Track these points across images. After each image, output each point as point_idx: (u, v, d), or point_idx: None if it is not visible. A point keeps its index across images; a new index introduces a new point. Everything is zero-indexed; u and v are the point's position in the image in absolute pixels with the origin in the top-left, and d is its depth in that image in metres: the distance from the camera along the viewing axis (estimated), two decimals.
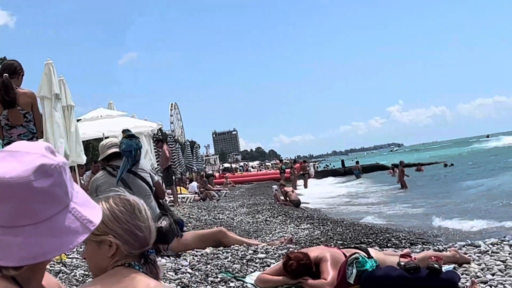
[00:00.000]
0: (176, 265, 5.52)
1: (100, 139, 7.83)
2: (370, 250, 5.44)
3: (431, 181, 27.63)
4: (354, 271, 4.87)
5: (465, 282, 4.75)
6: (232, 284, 5.08)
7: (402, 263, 4.88)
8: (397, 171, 26.16)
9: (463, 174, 29.25)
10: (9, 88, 5.70)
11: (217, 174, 32.49)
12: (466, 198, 16.99)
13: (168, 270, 5.35)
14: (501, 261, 5.28)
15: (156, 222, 5.91)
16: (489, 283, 4.78)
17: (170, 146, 19.64)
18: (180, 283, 5.01)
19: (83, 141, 10.06)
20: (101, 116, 13.48)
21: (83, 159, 9.66)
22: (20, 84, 5.90)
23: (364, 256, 5.03)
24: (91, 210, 1.52)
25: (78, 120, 10.14)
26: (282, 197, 16.96)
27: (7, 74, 5.75)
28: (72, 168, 8.06)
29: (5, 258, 1.39)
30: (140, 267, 1.90)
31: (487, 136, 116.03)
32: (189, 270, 5.39)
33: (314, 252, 5.23)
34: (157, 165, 15.95)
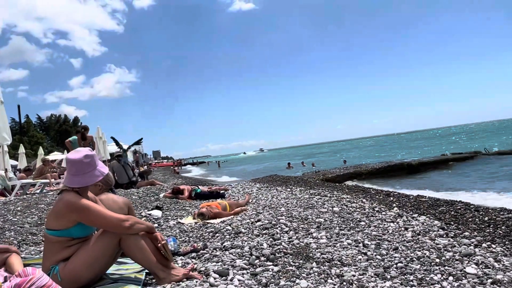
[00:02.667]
0: (138, 191, 10.55)
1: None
2: (200, 186, 9.88)
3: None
4: (194, 192, 8.85)
5: (227, 196, 8.75)
6: (155, 197, 8.72)
7: (208, 190, 9.13)
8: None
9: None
10: (84, 134, 11.27)
11: (153, 164, 63.10)
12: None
13: (135, 192, 9.86)
14: (237, 190, 10.08)
15: (131, 178, 12.51)
16: (232, 196, 9.00)
17: (137, 154, 36.48)
18: (138, 196, 8.84)
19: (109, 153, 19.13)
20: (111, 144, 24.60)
21: (108, 157, 17.45)
22: (87, 133, 11.60)
23: (197, 188, 9.19)
24: (104, 169, 2.99)
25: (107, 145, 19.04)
26: (173, 172, 34.45)
27: (83, 129, 11.55)
28: (104, 161, 15.97)
29: (74, 184, 2.84)
30: (109, 191, 4.15)
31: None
32: (141, 192, 10.23)
33: (182, 186, 9.35)
34: (133, 160, 30.62)
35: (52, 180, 13.83)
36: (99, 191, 3.98)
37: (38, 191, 12.01)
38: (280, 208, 6.47)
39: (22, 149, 24.41)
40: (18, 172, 19.08)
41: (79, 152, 2.95)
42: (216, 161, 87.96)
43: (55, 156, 28.26)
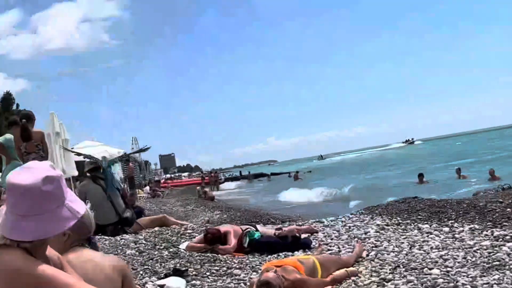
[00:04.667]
0: (136, 238, 6.73)
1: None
2: (258, 226, 6.64)
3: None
4: (247, 239, 6.06)
5: (315, 244, 5.86)
6: (171, 250, 5.94)
7: (276, 234, 6.10)
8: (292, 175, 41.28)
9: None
10: (26, 129, 6.81)
11: (162, 181, 42.25)
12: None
13: (131, 242, 6.38)
14: (336, 230, 6.50)
15: (123, 213, 7.53)
16: (329, 244, 5.81)
17: (132, 164, 24.69)
18: (138, 250, 5.94)
19: (75, 162, 12.42)
20: (87, 146, 16.77)
21: (75, 173, 12.04)
22: (33, 126, 7.03)
23: (253, 230, 6.25)
24: (78, 205, 1.90)
25: (72, 148, 12.62)
26: (202, 195, 22.18)
27: (25, 120, 6.90)
28: (68, 179, 10.00)
29: (23, 236, 1.75)
30: (87, 246, 2.53)
31: (320, 156, 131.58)
32: (144, 242, 6.44)
33: (223, 228, 6.30)
34: (124, 175, 20.77)
35: None
36: (66, 244, 2.41)
37: None
38: (431, 269, 4.18)
39: None
40: None
41: (32, 171, 1.79)
42: (290, 173, 47.82)
43: None
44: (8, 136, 7.11)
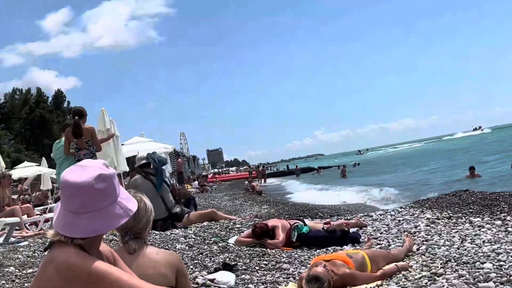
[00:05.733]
0: (185, 233, 6.59)
1: (135, 156, 11.60)
2: (306, 220, 6.51)
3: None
4: (296, 233, 5.94)
5: (364, 238, 5.75)
6: (220, 244, 5.81)
7: (325, 228, 5.97)
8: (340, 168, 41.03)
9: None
10: (78, 126, 7.00)
11: (210, 176, 42.37)
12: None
13: (180, 237, 6.28)
14: (386, 224, 6.36)
15: (172, 209, 7.54)
16: (378, 239, 5.72)
17: (181, 159, 25.67)
18: (188, 244, 5.84)
19: (126, 158, 13.14)
20: (136, 142, 17.52)
21: (126, 168, 12.37)
22: (84, 122, 7.21)
23: (302, 224, 6.14)
24: (130, 202, 1.87)
25: (122, 144, 13.22)
26: (250, 189, 22.11)
27: (77, 117, 7.07)
28: (119, 175, 10.53)
29: (75, 232, 1.75)
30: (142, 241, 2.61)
31: (359, 152, 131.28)
32: (193, 236, 6.29)
33: (271, 222, 6.15)
34: (173, 170, 21.48)
35: (25, 217, 8.38)
36: (121, 240, 2.56)
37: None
38: (483, 264, 4.03)
39: None
40: None
41: (86, 169, 1.77)
42: (340, 166, 46.69)
43: (24, 171, 19.13)
44: (58, 142, 7.47)
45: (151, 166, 7.78)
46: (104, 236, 3.66)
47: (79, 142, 7.08)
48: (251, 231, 6.02)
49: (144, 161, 7.86)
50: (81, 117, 7.18)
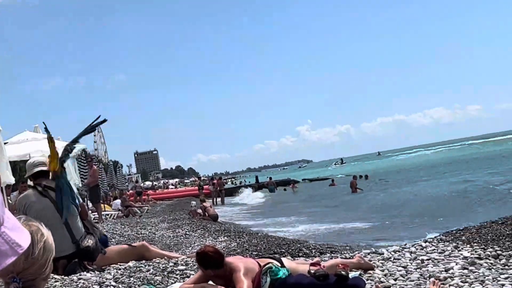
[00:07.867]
0: (101, 278, 5.38)
1: (27, 160, 7.82)
2: (283, 259, 5.39)
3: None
4: (268, 279, 4.84)
5: (370, 287, 4.78)
6: None
7: (312, 271, 4.91)
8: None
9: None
10: None
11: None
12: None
13: (93, 283, 5.17)
14: (402, 267, 5.35)
15: (82, 241, 5.76)
16: (391, 287, 4.80)
17: (96, 166, 19.14)
18: None
19: (10, 162, 9.76)
20: (27, 139, 13.22)
21: (11, 180, 9.43)
22: None
23: (277, 265, 5.02)
24: (20, 235, 1.49)
25: (5, 143, 9.81)
26: (200, 212, 17.09)
27: None
28: (0, 189, 7.81)
29: None
30: None
31: (378, 154, 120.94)
32: (113, 283, 5.22)
33: (229, 260, 5.07)
34: (82, 184, 15.70)
35: None
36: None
37: None
38: None
39: None
40: None
41: None
42: (332, 179, 39.01)
43: None
44: None
45: (57, 173, 5.89)
46: None
47: None
48: (196, 254, 5.00)
49: (40, 168, 6.00)
50: None
